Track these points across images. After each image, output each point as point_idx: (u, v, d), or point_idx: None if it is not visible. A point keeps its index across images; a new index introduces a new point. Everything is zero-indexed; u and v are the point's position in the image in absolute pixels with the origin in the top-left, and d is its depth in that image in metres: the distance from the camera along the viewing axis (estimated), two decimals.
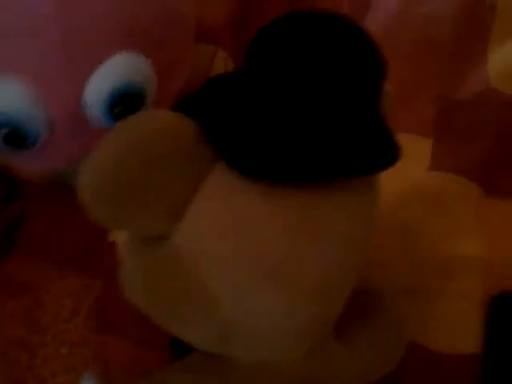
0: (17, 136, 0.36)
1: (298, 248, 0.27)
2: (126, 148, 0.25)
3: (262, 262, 0.27)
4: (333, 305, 0.30)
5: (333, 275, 0.28)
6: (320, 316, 0.30)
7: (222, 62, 0.50)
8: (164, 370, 0.31)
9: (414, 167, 0.48)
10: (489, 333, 0.42)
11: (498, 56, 0.55)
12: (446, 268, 0.44)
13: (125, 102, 0.36)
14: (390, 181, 0.47)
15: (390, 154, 0.29)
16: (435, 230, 0.46)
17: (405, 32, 0.56)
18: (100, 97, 0.36)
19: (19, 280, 0.40)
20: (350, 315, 0.32)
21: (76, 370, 0.38)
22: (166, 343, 0.37)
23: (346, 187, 0.28)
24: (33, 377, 0.37)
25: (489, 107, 0.51)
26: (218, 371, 0.31)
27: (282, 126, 0.26)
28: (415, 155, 0.49)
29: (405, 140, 0.49)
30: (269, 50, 0.27)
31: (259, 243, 0.27)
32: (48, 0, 0.34)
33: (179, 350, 0.32)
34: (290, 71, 0.27)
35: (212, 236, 0.26)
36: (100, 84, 0.36)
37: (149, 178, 0.25)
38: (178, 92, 0.43)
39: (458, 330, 0.42)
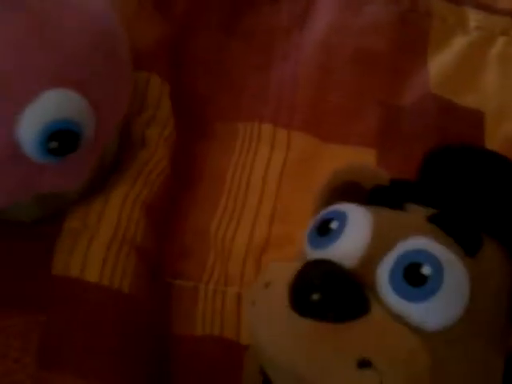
0: None
1: None
2: None
3: None
4: None
5: None
6: None
7: (157, 88, 0.49)
8: None
9: None
10: None
11: (438, 60, 0.57)
12: None
13: (59, 139, 0.36)
14: None
15: None
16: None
17: (343, 43, 0.57)
18: (31, 135, 0.35)
19: None
20: None
21: None
22: (116, 376, 0.37)
23: None
24: None
25: (429, 113, 0.52)
26: None
27: None
28: None
29: (350, 152, 0.51)
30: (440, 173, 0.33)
31: None
32: None
33: None
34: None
35: None
36: (31, 122, 0.35)
37: None
38: (118, 124, 0.43)
39: None
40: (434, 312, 0.27)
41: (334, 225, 0.31)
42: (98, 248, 0.40)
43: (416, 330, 0.27)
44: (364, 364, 0.26)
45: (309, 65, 0.55)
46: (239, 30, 0.58)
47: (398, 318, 0.27)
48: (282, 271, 0.29)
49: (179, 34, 0.55)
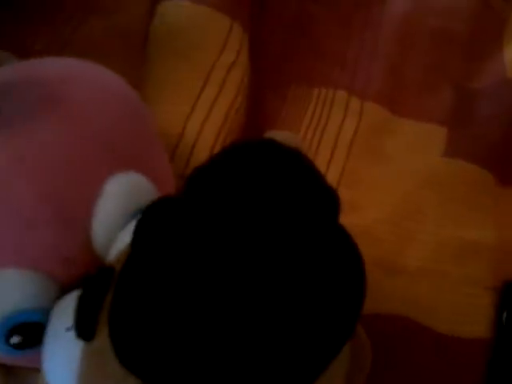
0: None
1: None
2: None
3: None
4: None
5: None
6: None
7: (239, 36, 0.49)
8: None
9: (429, 154, 0.49)
10: (499, 318, 0.42)
11: None
12: (457, 253, 0.45)
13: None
14: (406, 165, 0.49)
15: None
16: (448, 215, 0.46)
17: (423, 20, 0.57)
18: (115, 229, 0.30)
19: None
20: None
21: None
22: None
23: None
24: None
25: (505, 97, 0.52)
26: None
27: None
28: (431, 143, 0.50)
29: (422, 128, 0.51)
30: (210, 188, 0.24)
31: None
32: None
33: None
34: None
35: None
36: (109, 213, 0.30)
37: None
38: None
39: (465, 314, 0.43)
40: None
41: None
42: None
43: None
44: None
45: (388, 38, 0.55)
46: None
47: None
48: None
49: None
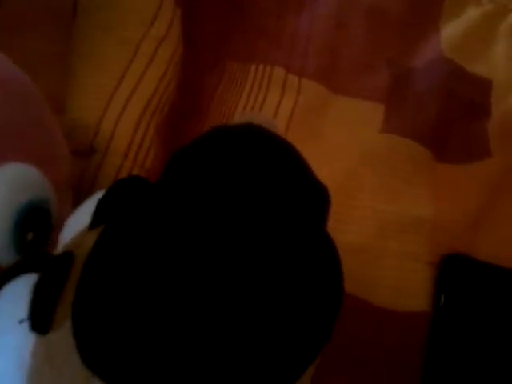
0: None
1: None
2: None
3: None
4: None
5: None
6: None
7: (170, 11, 0.48)
8: None
9: (366, 130, 0.49)
10: (438, 292, 0.42)
11: (451, 27, 0.57)
12: (395, 228, 0.45)
13: (33, 225, 0.29)
14: (344, 141, 0.48)
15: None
16: (386, 191, 0.46)
17: (359, 2, 0.57)
18: (1, 227, 0.28)
19: None
20: None
21: None
22: None
23: None
24: None
25: (440, 75, 0.52)
26: None
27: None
28: (368, 119, 0.50)
29: (359, 106, 0.51)
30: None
31: None
32: None
33: None
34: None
35: None
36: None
37: None
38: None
39: (405, 289, 0.43)
40: None
41: None
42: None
43: None
44: None
45: (323, 17, 0.55)
46: None
47: None
48: None
49: None
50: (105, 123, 0.41)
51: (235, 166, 0.21)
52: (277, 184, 0.22)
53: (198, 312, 0.19)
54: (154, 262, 0.20)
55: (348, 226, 0.45)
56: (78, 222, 0.27)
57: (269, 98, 0.49)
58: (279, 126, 0.48)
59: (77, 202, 0.31)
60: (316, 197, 0.23)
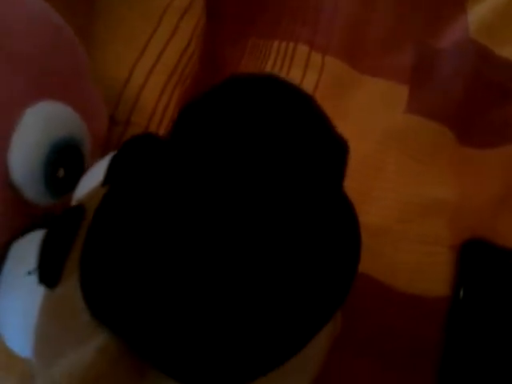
0: None
1: None
2: None
3: None
4: None
5: None
6: None
7: None
8: None
9: (390, 111, 0.48)
10: (459, 277, 0.42)
11: (478, 8, 0.55)
12: (418, 211, 0.44)
13: (65, 163, 0.29)
14: (367, 121, 0.47)
15: None
16: (409, 172, 0.45)
17: None
18: (34, 160, 0.28)
19: None
20: None
21: None
22: None
23: None
24: None
25: (466, 56, 0.51)
26: None
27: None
28: (392, 99, 0.49)
29: (383, 86, 0.50)
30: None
31: None
32: None
33: None
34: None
35: None
36: (23, 149, 0.28)
37: None
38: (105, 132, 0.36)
39: (425, 273, 0.42)
40: None
41: None
42: None
43: None
44: None
45: None
46: None
47: None
48: None
49: None
50: (126, 95, 0.40)
51: (251, 115, 0.20)
52: (295, 135, 0.21)
53: (207, 262, 0.19)
54: (161, 213, 0.19)
55: (368, 207, 0.44)
56: (91, 180, 0.27)
57: (291, 74, 0.48)
58: None
59: None
60: (335, 150, 0.22)
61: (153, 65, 0.42)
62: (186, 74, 0.44)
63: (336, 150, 0.22)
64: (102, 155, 0.33)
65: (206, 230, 0.19)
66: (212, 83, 0.46)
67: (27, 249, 0.26)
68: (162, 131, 0.41)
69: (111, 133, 0.39)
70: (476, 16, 0.55)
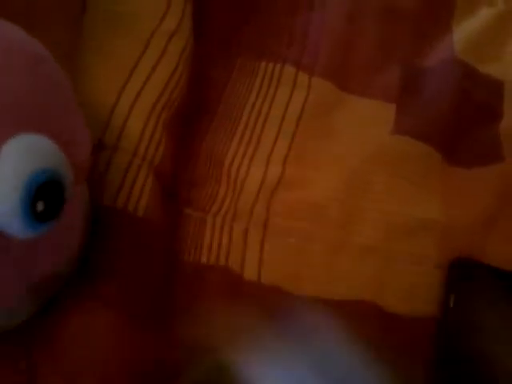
0: None
1: None
2: None
3: None
4: None
5: None
6: None
7: (180, 5, 0.47)
8: None
9: (377, 130, 0.48)
10: (446, 297, 0.42)
11: (463, 27, 0.56)
12: (404, 231, 0.44)
13: (44, 196, 0.28)
14: (354, 141, 0.48)
15: None
16: (395, 192, 0.46)
17: (372, 0, 0.56)
18: (10, 199, 0.28)
19: None
20: None
21: None
22: (125, 297, 0.36)
23: None
24: None
25: (452, 76, 0.51)
26: None
27: None
28: (379, 119, 0.49)
29: (370, 105, 0.50)
30: None
31: None
32: None
33: None
34: None
35: None
36: (4, 178, 0.27)
37: None
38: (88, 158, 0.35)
39: (415, 293, 0.43)
40: None
41: None
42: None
43: None
44: None
45: (335, 14, 0.54)
46: None
47: None
48: None
49: None
50: (114, 120, 0.40)
51: None
52: None
53: None
54: None
55: (356, 227, 0.44)
56: None
57: (279, 95, 0.48)
58: (289, 124, 0.48)
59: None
60: None
61: (140, 88, 0.42)
62: (173, 98, 0.44)
63: None
64: (88, 180, 0.33)
65: None
66: (199, 104, 0.47)
67: None
68: (149, 156, 0.41)
69: (99, 157, 0.39)
70: (461, 35, 0.55)
